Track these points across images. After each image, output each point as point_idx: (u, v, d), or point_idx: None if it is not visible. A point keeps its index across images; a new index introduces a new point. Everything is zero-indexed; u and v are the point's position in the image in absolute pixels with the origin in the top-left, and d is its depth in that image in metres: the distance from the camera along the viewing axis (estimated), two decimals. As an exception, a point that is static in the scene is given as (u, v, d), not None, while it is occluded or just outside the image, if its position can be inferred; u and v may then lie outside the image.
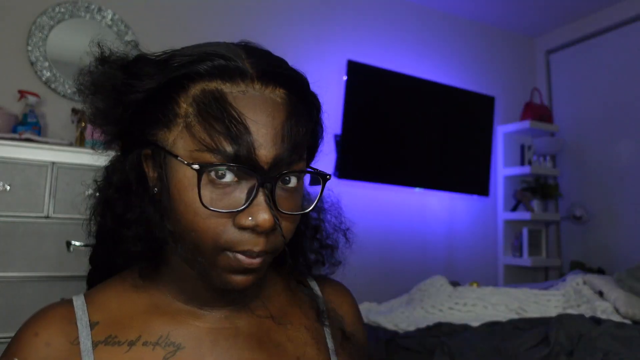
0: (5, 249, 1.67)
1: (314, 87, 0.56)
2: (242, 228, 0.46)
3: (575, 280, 1.90)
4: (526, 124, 3.20)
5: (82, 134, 2.00)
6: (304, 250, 0.62)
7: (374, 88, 2.85)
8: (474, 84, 3.31)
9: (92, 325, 0.52)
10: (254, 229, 0.46)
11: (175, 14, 2.47)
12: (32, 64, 2.13)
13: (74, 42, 2.23)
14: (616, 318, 1.62)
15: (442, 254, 3.10)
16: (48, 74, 2.15)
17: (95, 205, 0.57)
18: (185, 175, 0.47)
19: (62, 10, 2.20)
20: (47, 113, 2.13)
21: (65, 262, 1.75)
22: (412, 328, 1.66)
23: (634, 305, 1.67)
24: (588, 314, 1.63)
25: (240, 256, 0.47)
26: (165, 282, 0.54)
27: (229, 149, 0.45)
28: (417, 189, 3.00)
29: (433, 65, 3.19)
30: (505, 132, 3.35)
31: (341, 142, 2.71)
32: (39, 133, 1.96)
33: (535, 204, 3.27)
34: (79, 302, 0.53)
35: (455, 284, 2.22)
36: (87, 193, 0.60)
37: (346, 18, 2.94)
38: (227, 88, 0.47)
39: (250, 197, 0.46)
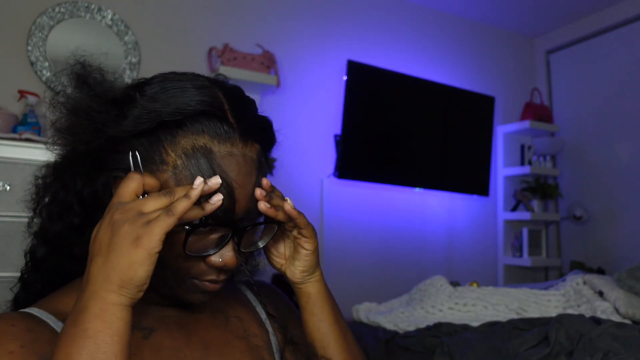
0: (5, 249, 1.67)
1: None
2: (211, 265, 0.55)
3: (575, 280, 1.90)
4: (526, 124, 3.20)
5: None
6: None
7: (374, 88, 2.85)
8: (474, 84, 3.31)
9: (62, 321, 0.54)
10: (221, 268, 0.55)
11: (175, 14, 2.47)
12: (32, 64, 2.13)
13: (74, 42, 2.22)
14: (616, 318, 1.62)
15: (442, 254, 3.10)
16: (48, 74, 2.15)
17: (49, 210, 0.60)
18: None
19: (62, 10, 2.20)
20: (47, 113, 2.13)
21: (65, 262, 1.74)
22: (412, 328, 1.66)
23: (634, 305, 1.67)
24: (588, 314, 1.63)
25: (206, 283, 0.56)
26: None
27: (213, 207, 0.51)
28: (417, 189, 3.00)
29: (433, 65, 3.19)
30: (505, 132, 3.34)
31: (341, 142, 2.71)
32: (39, 133, 1.96)
33: (535, 204, 3.27)
34: (35, 310, 0.55)
35: (455, 284, 2.22)
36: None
37: (346, 18, 2.94)
38: (215, 147, 0.53)
39: (222, 244, 0.54)
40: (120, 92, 0.54)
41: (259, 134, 0.57)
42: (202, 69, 2.47)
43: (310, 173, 2.73)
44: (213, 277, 0.56)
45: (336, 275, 2.61)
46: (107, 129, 0.52)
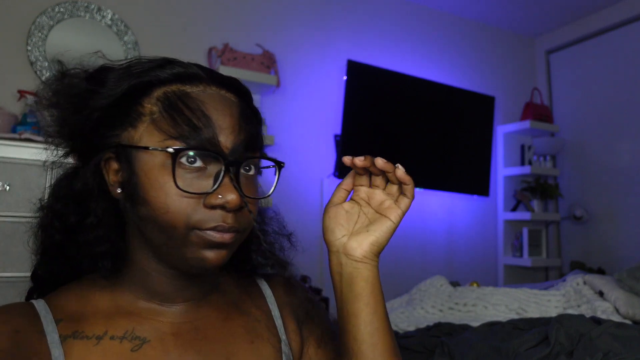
0: (5, 249, 1.67)
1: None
2: (213, 207, 0.51)
3: (575, 280, 1.90)
4: (526, 124, 3.20)
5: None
6: (250, 252, 0.66)
7: (374, 88, 2.85)
8: (474, 84, 3.31)
9: (57, 321, 0.53)
10: (223, 207, 0.51)
11: (175, 13, 2.47)
12: (31, 64, 2.13)
13: (74, 42, 2.22)
14: (616, 318, 1.62)
15: (442, 254, 3.10)
16: (48, 73, 2.15)
17: (39, 222, 0.59)
18: (155, 162, 0.51)
19: (62, 10, 2.20)
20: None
21: (65, 262, 1.74)
22: (412, 328, 1.66)
23: (634, 305, 1.67)
24: (588, 314, 1.63)
25: (210, 232, 0.51)
26: (127, 281, 0.57)
27: (193, 135, 0.51)
28: (417, 189, 3.00)
29: (433, 65, 3.19)
30: (505, 132, 3.34)
31: (341, 142, 2.71)
32: (38, 133, 1.96)
33: (535, 204, 3.27)
34: (40, 304, 0.55)
35: (455, 284, 2.22)
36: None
37: (346, 18, 2.94)
38: (187, 89, 0.54)
39: (218, 180, 0.51)
40: (95, 69, 0.56)
41: (235, 88, 0.57)
42: (202, 69, 2.47)
43: (310, 173, 2.73)
44: (218, 222, 0.51)
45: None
46: (86, 102, 0.53)
